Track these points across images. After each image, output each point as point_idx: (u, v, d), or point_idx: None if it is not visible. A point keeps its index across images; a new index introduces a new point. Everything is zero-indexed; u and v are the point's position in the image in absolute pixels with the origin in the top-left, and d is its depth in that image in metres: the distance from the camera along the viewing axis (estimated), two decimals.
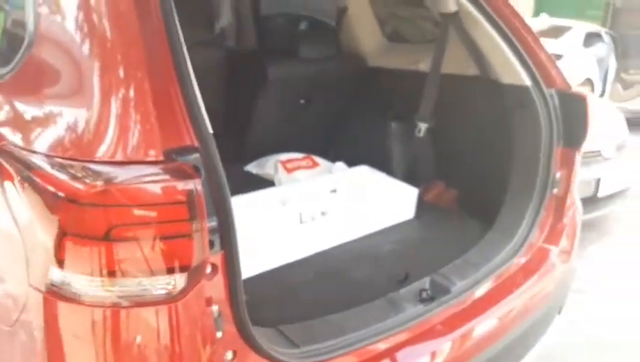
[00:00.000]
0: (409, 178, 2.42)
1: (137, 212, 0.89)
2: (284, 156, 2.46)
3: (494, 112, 2.06)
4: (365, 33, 2.68)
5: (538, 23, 8.60)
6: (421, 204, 2.29)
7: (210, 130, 1.07)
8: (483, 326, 1.61)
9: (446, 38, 2.15)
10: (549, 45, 8.02)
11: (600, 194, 3.69)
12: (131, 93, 0.99)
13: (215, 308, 1.05)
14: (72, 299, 0.96)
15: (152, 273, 0.93)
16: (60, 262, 0.93)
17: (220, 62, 2.46)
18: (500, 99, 2.02)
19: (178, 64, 1.06)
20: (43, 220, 0.93)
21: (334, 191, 2.14)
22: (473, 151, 2.25)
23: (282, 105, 2.49)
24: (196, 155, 1.00)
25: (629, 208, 4.15)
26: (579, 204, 2.15)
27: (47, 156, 0.98)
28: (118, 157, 0.94)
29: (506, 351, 1.68)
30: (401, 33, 2.69)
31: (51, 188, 0.92)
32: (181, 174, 0.93)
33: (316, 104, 2.59)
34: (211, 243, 1.02)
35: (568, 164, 1.98)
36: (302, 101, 2.57)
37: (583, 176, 3.57)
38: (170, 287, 0.96)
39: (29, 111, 1.15)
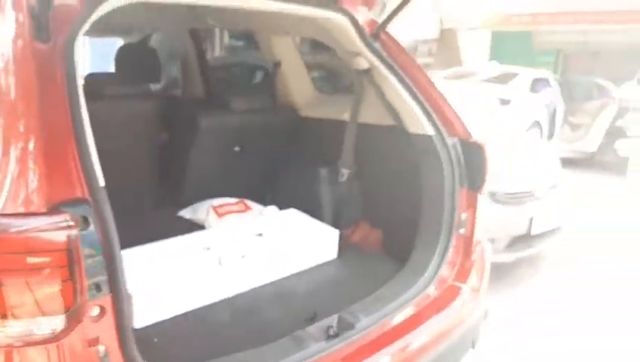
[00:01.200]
0: (337, 220, 2.56)
1: (19, 259, 0.99)
2: (218, 201, 2.57)
3: (406, 159, 2.22)
4: (297, 86, 2.87)
5: (488, 70, 9.08)
6: (346, 245, 2.42)
7: (102, 184, 1.19)
8: (388, 358, 1.71)
9: (361, 91, 2.33)
10: (498, 90, 8.46)
11: (533, 233, 3.87)
12: (24, 151, 1.11)
13: (102, 348, 1.13)
14: None
15: (36, 315, 1.03)
16: None
17: (158, 112, 2.58)
18: (409, 146, 2.19)
19: (76, 126, 1.19)
20: None
21: (260, 234, 2.25)
22: (391, 194, 2.41)
23: (216, 153, 2.62)
24: (85, 206, 1.11)
25: (559, 246, 4.34)
26: (485, 244, 2.30)
27: None
28: (8, 210, 1.05)
29: None
30: (329, 85, 2.87)
31: None
32: (63, 224, 1.04)
33: (251, 151, 2.73)
34: (98, 287, 1.12)
35: (472, 206, 2.15)
36: (236, 148, 2.71)
37: (516, 214, 3.81)
38: (53, 328, 1.05)
39: None
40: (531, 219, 3.84)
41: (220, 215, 2.49)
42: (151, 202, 2.70)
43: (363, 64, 2.19)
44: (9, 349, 1.04)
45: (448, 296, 2.06)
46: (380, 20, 2.16)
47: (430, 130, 2.09)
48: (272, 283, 2.06)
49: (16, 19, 1.29)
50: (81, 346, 1.09)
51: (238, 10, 1.99)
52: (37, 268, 1.01)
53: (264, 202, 2.70)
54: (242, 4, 1.83)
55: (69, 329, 1.06)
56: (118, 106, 2.39)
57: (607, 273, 4.13)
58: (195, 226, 2.49)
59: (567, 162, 8.18)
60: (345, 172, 2.46)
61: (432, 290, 2.00)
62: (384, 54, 2.14)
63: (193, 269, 1.92)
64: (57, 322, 1.05)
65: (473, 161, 2.11)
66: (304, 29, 2.42)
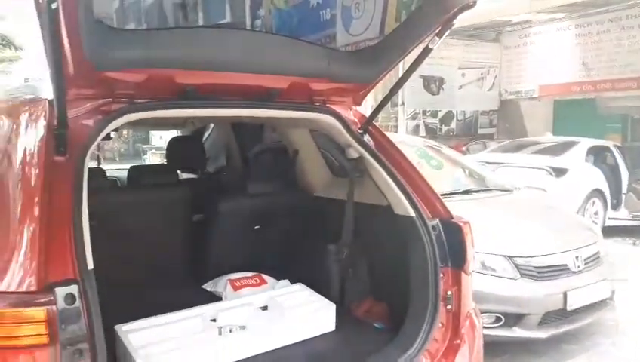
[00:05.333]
0: (344, 294, 2.75)
1: (9, 329, 1.31)
2: (236, 275, 2.85)
3: (396, 238, 2.40)
4: (313, 170, 3.17)
5: (543, 141, 9.04)
6: (349, 318, 2.58)
7: (91, 267, 1.50)
8: None
9: (353, 176, 2.58)
10: (551, 161, 8.37)
11: (569, 308, 3.76)
12: (33, 243, 1.45)
13: None
14: None
15: None
16: None
17: (188, 198, 2.96)
18: (396, 226, 2.37)
19: (75, 223, 1.52)
20: None
21: (265, 307, 2.48)
22: (390, 269, 2.57)
23: (235, 232, 2.92)
24: (74, 286, 1.42)
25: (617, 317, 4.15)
26: (477, 320, 2.37)
27: None
28: (12, 287, 1.37)
29: None
30: (338, 168, 3.13)
31: None
32: (45, 301, 1.35)
33: (268, 229, 3.02)
34: (80, 353, 1.40)
35: (458, 283, 2.26)
36: (256, 227, 3.01)
37: (549, 290, 3.75)
38: None
39: None
40: (565, 294, 3.75)
41: (236, 288, 2.76)
42: (181, 274, 3.03)
43: (353, 154, 2.45)
44: None
45: None
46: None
47: (412, 212, 2.27)
48: (267, 353, 2.25)
49: (42, 139, 1.69)
50: None
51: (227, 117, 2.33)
52: (25, 336, 1.31)
53: (279, 276, 2.93)
54: (239, 113, 2.17)
55: None
56: (154, 193, 2.80)
57: None
58: (214, 298, 2.76)
59: (632, 231, 7.79)
60: (345, 249, 2.66)
61: None
62: (371, 145, 2.40)
63: (196, 339, 2.17)
64: None
65: (454, 241, 2.25)
66: (303, 125, 2.76)
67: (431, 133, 13.15)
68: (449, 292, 2.24)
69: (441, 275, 2.21)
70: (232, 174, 4.09)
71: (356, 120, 2.46)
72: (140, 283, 2.62)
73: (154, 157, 13.53)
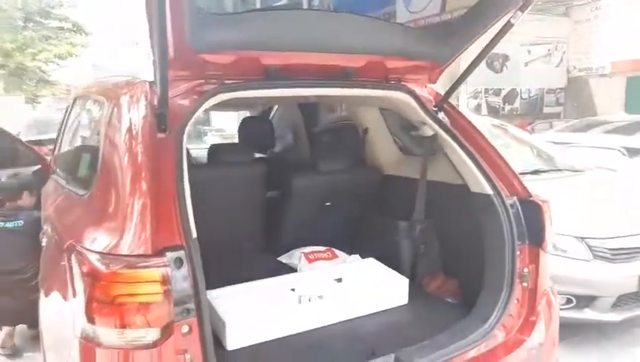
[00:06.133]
0: (414, 270, 2.81)
1: (130, 287, 1.46)
2: (309, 249, 2.97)
3: (471, 215, 2.42)
4: (382, 148, 3.22)
5: (616, 120, 8.61)
6: (420, 293, 2.64)
7: (195, 235, 1.63)
8: None
9: (429, 153, 2.61)
10: (625, 141, 7.96)
11: None
12: (144, 213, 1.59)
13: (188, 356, 1.54)
14: (98, 344, 1.51)
15: (141, 326, 1.47)
16: (90, 319, 1.51)
17: (265, 175, 3.08)
18: (472, 204, 2.39)
19: (179, 195, 1.66)
20: (82, 291, 1.53)
21: (340, 279, 2.58)
22: (463, 246, 2.60)
23: (307, 208, 3.03)
24: (181, 251, 1.56)
25: None
26: (554, 299, 2.37)
27: (91, 250, 1.59)
28: (129, 251, 1.52)
29: None
30: (409, 147, 3.17)
31: (88, 270, 1.52)
32: (161, 265, 1.49)
33: (340, 205, 3.10)
34: (187, 311, 1.54)
35: (535, 261, 2.27)
36: (327, 203, 3.10)
37: (623, 272, 3.65)
38: (152, 337, 1.48)
39: (91, 220, 1.80)
40: None
41: (310, 261, 2.88)
42: (259, 248, 3.19)
43: (428, 131, 2.48)
44: (123, 351, 1.49)
45: (509, 346, 2.18)
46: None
47: (489, 190, 2.29)
48: (343, 322, 2.36)
49: (145, 118, 1.83)
50: (173, 354, 1.51)
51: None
52: (143, 294, 1.46)
53: (349, 251, 3.03)
54: (313, 93, 2.25)
55: (164, 340, 1.49)
56: (233, 170, 2.94)
57: None
58: (290, 269, 2.89)
59: None
60: (418, 226, 2.71)
61: (491, 340, 2.14)
62: (446, 122, 2.42)
63: (278, 306, 2.30)
64: (155, 333, 1.48)
65: (533, 219, 2.25)
66: (376, 103, 2.80)
67: (493, 112, 12.80)
68: (526, 270, 2.25)
69: (518, 253, 2.22)
70: (299, 153, 4.19)
71: (431, 98, 2.49)
72: (220, 254, 2.78)
73: (213, 138, 13.99)
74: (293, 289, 2.45)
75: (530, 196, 2.30)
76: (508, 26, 2.04)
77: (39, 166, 3.96)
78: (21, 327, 3.59)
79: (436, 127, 2.41)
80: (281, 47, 1.97)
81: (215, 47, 1.80)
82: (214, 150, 2.98)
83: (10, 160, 4.25)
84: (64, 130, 3.42)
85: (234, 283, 2.45)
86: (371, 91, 2.31)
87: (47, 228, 2.56)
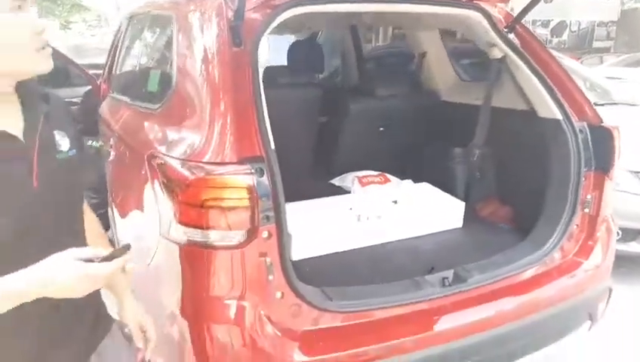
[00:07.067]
0: (468, 195, 2.83)
1: (218, 192, 1.53)
2: (362, 173, 3.00)
3: (535, 141, 2.39)
4: (440, 73, 3.16)
5: None
6: (475, 218, 2.68)
7: (273, 147, 1.67)
8: (492, 312, 1.98)
9: (496, 77, 2.55)
10: None
11: None
12: (225, 124, 1.64)
13: (268, 259, 1.63)
14: (186, 244, 1.61)
15: (227, 229, 1.55)
16: (180, 222, 1.59)
17: (319, 98, 3.08)
18: (539, 129, 2.36)
19: (257, 107, 1.69)
20: (170, 195, 1.61)
21: (395, 201, 2.63)
22: (520, 173, 2.60)
23: (363, 132, 3.04)
24: (261, 162, 1.61)
25: None
26: (613, 226, 2.37)
27: (175, 158, 1.66)
28: (214, 159, 1.58)
29: (515, 337, 2.01)
30: (469, 72, 3.10)
31: (176, 176, 1.59)
32: (247, 171, 1.55)
33: (393, 130, 3.11)
34: (268, 218, 1.61)
35: (600, 188, 2.26)
36: (381, 128, 3.10)
37: None
38: (239, 239, 1.56)
39: (168, 131, 1.86)
40: None
41: (363, 184, 2.92)
42: (310, 171, 3.24)
43: (497, 53, 2.42)
44: (213, 251, 1.58)
45: (566, 268, 2.23)
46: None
47: (558, 115, 2.25)
48: (401, 241, 2.43)
49: (219, 32, 1.83)
50: (255, 255, 1.60)
51: (387, 12, 2.36)
52: (229, 199, 1.53)
53: (402, 176, 3.05)
54: (391, 9, 2.20)
55: (248, 242, 1.57)
56: (288, 93, 2.94)
57: None
58: (343, 192, 2.95)
59: None
60: (477, 151, 2.70)
61: (549, 261, 2.19)
62: (517, 44, 2.35)
63: (337, 222, 2.38)
64: (240, 236, 1.57)
65: (602, 145, 2.22)
66: (445, 24, 2.72)
67: None
68: (589, 196, 2.25)
69: (584, 179, 2.21)
70: (349, 78, 4.15)
71: (501, 18, 2.40)
72: None
73: None
74: (350, 209, 2.52)
75: (602, 122, 2.26)
76: None
77: (90, 87, 4.04)
78: None
79: (506, 48, 2.35)
80: None
81: None
82: (272, 72, 2.97)
83: (65, 80, 4.34)
84: (120, 50, 3.45)
85: (291, 201, 2.52)
86: (446, 9, 2.25)
87: (112, 143, 2.65)
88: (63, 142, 1.08)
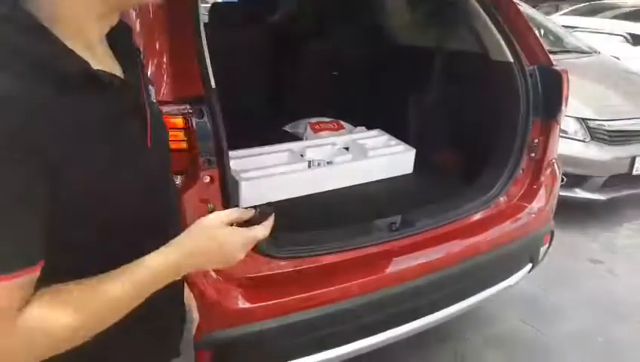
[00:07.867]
0: (420, 142, 2.81)
1: None
2: (315, 119, 2.94)
3: (487, 85, 2.37)
4: (397, 17, 3.07)
5: (627, 5, 8.27)
6: (426, 164, 2.67)
7: (213, 86, 1.57)
8: (439, 254, 2.00)
9: (450, 21, 2.49)
10: (632, 27, 7.63)
11: (635, 172, 3.77)
12: (162, 63, 1.52)
13: (211, 205, 1.56)
14: None
15: None
16: None
17: (269, 40, 2.95)
18: (490, 73, 2.34)
19: (197, 46, 1.58)
20: None
21: (347, 148, 2.59)
22: (473, 119, 2.58)
23: (316, 77, 2.95)
24: (201, 103, 1.52)
25: None
26: (557, 170, 2.42)
27: None
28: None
29: (460, 280, 2.05)
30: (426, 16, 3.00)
31: None
32: (184, 112, 1.45)
33: (346, 77, 3.03)
34: (209, 162, 1.53)
35: (546, 132, 2.28)
36: (334, 73, 3.02)
37: (617, 153, 3.73)
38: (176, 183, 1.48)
39: None
40: (633, 159, 3.73)
41: (315, 130, 2.86)
42: (262, 116, 3.14)
43: None
44: None
45: (510, 211, 2.26)
46: None
47: (510, 57, 2.22)
48: (352, 187, 2.41)
49: None
50: (196, 201, 1.53)
51: None
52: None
53: (355, 123, 3.01)
54: None
55: (188, 187, 1.50)
56: (237, 33, 2.80)
57: None
58: (295, 138, 2.89)
59: None
60: (429, 98, 2.67)
61: (494, 205, 2.21)
62: None
63: (289, 169, 2.33)
64: (178, 180, 1.49)
65: (551, 89, 2.22)
66: None
67: None
68: (536, 141, 2.26)
69: (531, 123, 2.21)
70: (304, 19, 3.98)
71: None
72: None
73: None
74: (302, 155, 2.46)
75: (552, 65, 2.25)
76: None
77: None
78: None
79: None
80: None
81: None
82: (221, 10, 2.81)
83: None
84: None
85: (244, 147, 2.44)
86: None
87: None
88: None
